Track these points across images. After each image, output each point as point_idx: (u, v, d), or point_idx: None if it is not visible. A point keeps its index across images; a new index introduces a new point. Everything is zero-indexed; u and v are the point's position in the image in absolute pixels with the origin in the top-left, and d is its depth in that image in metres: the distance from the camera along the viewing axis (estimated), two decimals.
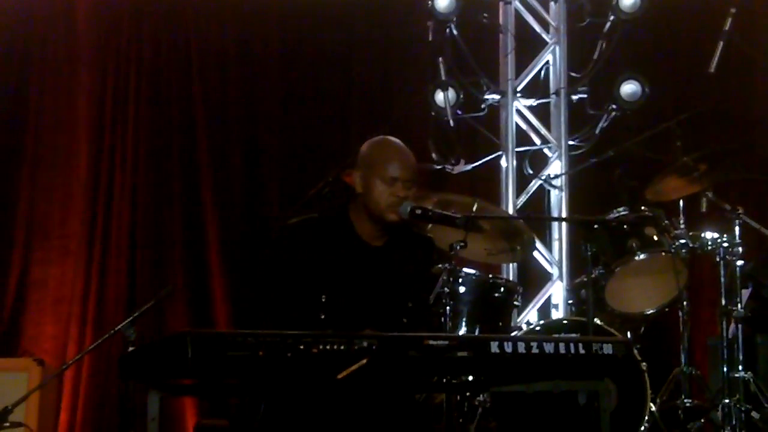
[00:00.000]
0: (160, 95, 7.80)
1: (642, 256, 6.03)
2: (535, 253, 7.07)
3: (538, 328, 6.00)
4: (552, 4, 7.53)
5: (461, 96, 7.13)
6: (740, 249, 6.05)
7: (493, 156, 7.39)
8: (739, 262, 6.05)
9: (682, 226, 6.24)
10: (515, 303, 6.04)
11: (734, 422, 5.83)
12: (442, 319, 5.54)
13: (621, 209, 6.16)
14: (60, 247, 7.60)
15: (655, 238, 6.09)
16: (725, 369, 5.97)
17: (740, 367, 5.96)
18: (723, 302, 6.05)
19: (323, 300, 3.97)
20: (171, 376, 3.47)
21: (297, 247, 4.06)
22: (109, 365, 7.25)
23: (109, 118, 7.72)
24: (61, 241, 7.60)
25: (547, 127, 7.46)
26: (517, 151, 7.37)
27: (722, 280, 6.07)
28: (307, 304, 3.98)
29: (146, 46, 7.82)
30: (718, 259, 6.07)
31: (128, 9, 7.83)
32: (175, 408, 7.41)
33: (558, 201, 7.37)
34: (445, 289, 5.57)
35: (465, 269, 5.88)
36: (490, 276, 6.06)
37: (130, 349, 4.61)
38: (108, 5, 7.83)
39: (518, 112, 7.43)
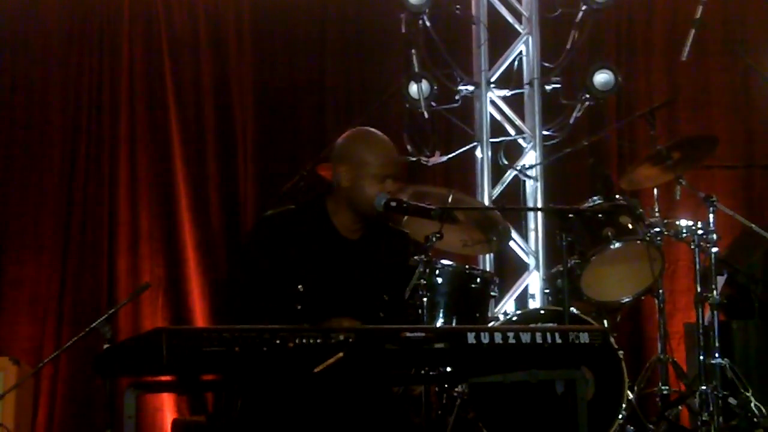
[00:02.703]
0: (133, 93, 7.75)
1: (617, 245, 6.05)
2: (512, 244, 7.08)
3: (515, 318, 6.01)
4: None
5: (435, 88, 7.12)
6: (714, 236, 6.08)
7: (467, 147, 7.40)
8: (714, 249, 6.08)
9: (657, 214, 6.27)
10: (492, 293, 6.04)
11: (711, 409, 5.85)
12: (419, 311, 5.55)
13: (596, 198, 6.19)
14: (35, 246, 7.56)
15: (630, 226, 6.11)
16: (702, 356, 5.99)
17: (717, 354, 5.99)
18: (698, 289, 6.08)
19: (300, 290, 3.97)
20: (147, 373, 3.46)
21: (274, 238, 4.06)
22: (86, 363, 7.21)
23: (83, 117, 7.68)
24: (36, 240, 7.56)
25: (521, 117, 7.47)
26: (491, 142, 7.37)
27: (697, 267, 6.10)
28: (283, 295, 3.98)
29: (119, 47, 7.77)
30: (692, 247, 6.10)
31: (100, 9, 7.78)
32: (153, 405, 7.39)
33: (533, 191, 7.38)
34: (422, 280, 5.57)
35: (441, 261, 5.89)
36: (467, 267, 6.07)
37: (106, 346, 4.59)
38: (80, 6, 7.78)
39: (492, 103, 7.43)
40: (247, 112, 7.84)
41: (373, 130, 4.23)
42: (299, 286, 3.98)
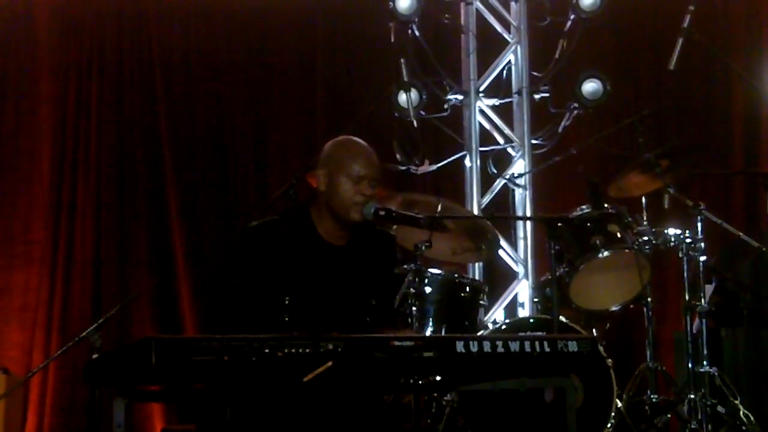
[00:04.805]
0: (123, 99, 7.77)
1: (605, 253, 6.06)
2: (501, 252, 7.09)
3: (504, 327, 6.01)
4: (513, 4, 7.56)
5: (424, 96, 7.13)
6: (703, 244, 6.09)
7: (457, 156, 7.41)
8: (702, 258, 6.09)
9: (645, 223, 6.28)
10: (481, 302, 6.05)
11: (700, 417, 5.87)
12: (409, 319, 5.56)
13: (584, 207, 6.20)
14: (24, 254, 7.55)
15: (619, 234, 6.12)
16: (690, 364, 6.01)
17: (705, 362, 6.00)
18: (687, 297, 6.09)
19: (286, 302, 3.97)
20: (136, 382, 3.46)
21: (258, 250, 4.06)
22: (76, 372, 7.20)
23: (71, 122, 7.67)
24: (25, 248, 7.55)
25: (510, 126, 7.48)
26: (480, 151, 7.39)
27: (685, 275, 6.11)
28: (270, 307, 3.98)
29: (108, 50, 7.77)
30: (681, 255, 6.11)
31: (89, 13, 7.78)
32: (142, 414, 7.37)
33: (522, 200, 7.40)
34: (411, 289, 5.59)
35: (431, 269, 5.89)
36: (456, 275, 6.07)
37: (95, 356, 4.59)
38: (69, 10, 7.78)
39: (481, 111, 7.45)
40: (238, 118, 7.85)
41: (354, 138, 4.26)
42: (286, 298, 3.98)
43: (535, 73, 7.47)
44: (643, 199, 6.40)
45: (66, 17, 7.78)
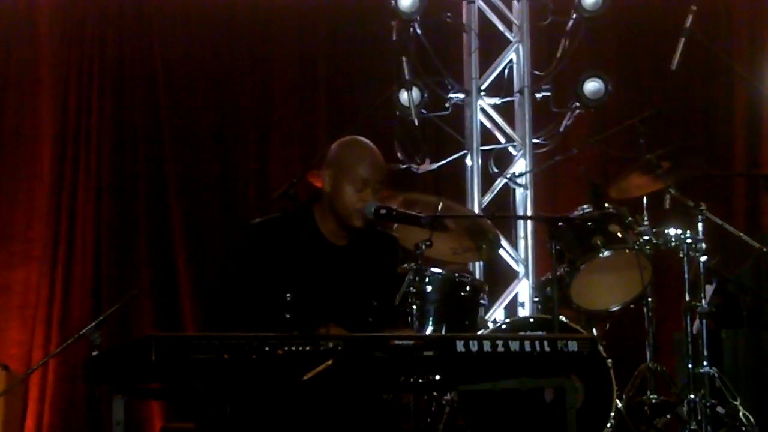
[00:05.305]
0: (123, 99, 7.77)
1: (606, 253, 6.06)
2: (501, 252, 7.08)
3: (504, 327, 6.01)
4: (515, 2, 7.55)
5: (426, 95, 7.13)
6: (703, 245, 6.09)
7: (458, 155, 7.41)
8: (703, 258, 6.09)
9: (646, 223, 6.28)
10: (482, 301, 6.05)
11: (700, 417, 5.86)
12: (409, 318, 5.56)
13: (585, 206, 6.20)
14: (24, 252, 7.55)
15: (619, 235, 6.12)
16: (690, 364, 6.00)
17: (705, 363, 6.00)
18: (687, 298, 6.09)
19: (288, 299, 3.97)
20: (136, 380, 3.46)
21: (261, 247, 4.06)
22: (75, 370, 7.21)
23: (72, 121, 7.68)
24: (25, 245, 7.56)
25: (512, 125, 7.48)
26: (482, 150, 7.38)
27: (686, 276, 6.11)
28: (271, 304, 3.98)
29: (110, 50, 7.78)
30: (681, 256, 6.11)
31: (91, 12, 7.78)
32: (142, 412, 7.38)
33: (523, 199, 7.39)
34: (412, 288, 5.58)
35: (431, 268, 5.89)
36: (456, 275, 6.07)
37: (95, 353, 4.59)
38: (71, 9, 7.78)
39: (483, 110, 7.44)
40: (241, 119, 7.85)
41: (361, 138, 4.24)
42: (287, 295, 3.98)
43: (536, 73, 7.46)
44: (644, 200, 6.39)
45: (67, 17, 7.79)
